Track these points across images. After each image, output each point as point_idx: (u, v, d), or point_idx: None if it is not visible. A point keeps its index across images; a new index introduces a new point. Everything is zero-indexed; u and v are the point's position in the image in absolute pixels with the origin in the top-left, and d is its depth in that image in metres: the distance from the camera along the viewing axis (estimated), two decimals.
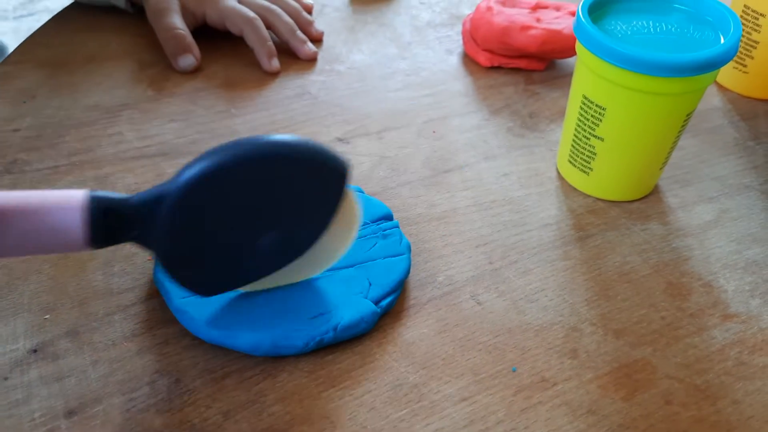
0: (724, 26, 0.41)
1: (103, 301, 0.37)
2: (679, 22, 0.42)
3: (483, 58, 0.58)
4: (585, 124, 0.43)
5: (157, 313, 0.36)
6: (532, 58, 0.57)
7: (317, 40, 0.61)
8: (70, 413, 0.32)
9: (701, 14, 0.43)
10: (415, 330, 0.36)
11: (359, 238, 0.39)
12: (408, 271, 0.38)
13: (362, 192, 0.43)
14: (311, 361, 0.35)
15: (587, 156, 0.44)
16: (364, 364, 0.35)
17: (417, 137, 0.50)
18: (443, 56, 0.60)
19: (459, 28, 0.64)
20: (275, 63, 0.56)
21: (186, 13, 0.57)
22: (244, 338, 0.34)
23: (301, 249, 0.35)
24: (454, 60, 0.59)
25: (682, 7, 0.43)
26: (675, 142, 0.43)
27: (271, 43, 0.57)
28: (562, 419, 0.33)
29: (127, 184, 0.44)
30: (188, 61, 0.55)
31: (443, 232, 0.42)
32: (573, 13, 0.58)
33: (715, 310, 0.38)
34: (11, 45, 1.02)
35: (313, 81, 0.56)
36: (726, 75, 0.57)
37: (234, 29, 0.57)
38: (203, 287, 0.34)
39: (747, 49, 0.55)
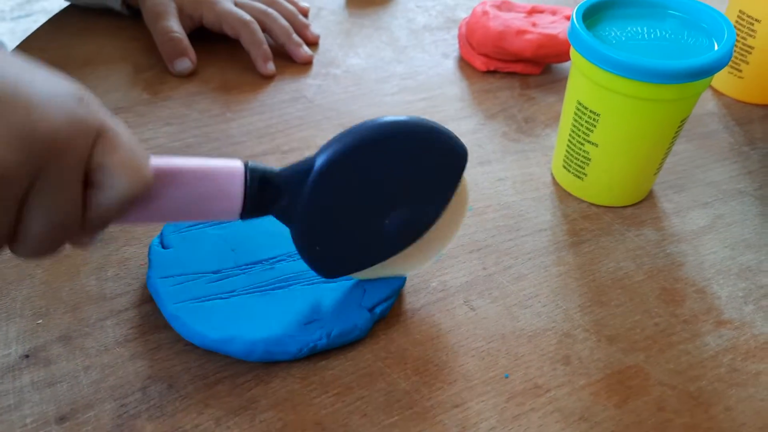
0: (718, 33, 0.41)
1: (96, 306, 0.37)
2: (674, 28, 0.42)
3: (479, 62, 0.58)
4: (579, 130, 0.43)
5: (150, 319, 0.36)
6: (528, 62, 0.57)
7: (313, 44, 0.61)
8: (61, 419, 0.32)
9: (695, 21, 0.43)
10: (408, 336, 0.36)
11: None
12: (404, 279, 0.38)
13: None
14: (304, 367, 0.35)
15: (582, 161, 0.44)
16: (356, 371, 0.35)
17: None
18: (439, 60, 0.60)
19: (455, 32, 0.64)
20: (271, 66, 0.56)
21: (183, 16, 0.57)
22: (237, 344, 0.34)
23: (420, 230, 0.36)
24: (450, 64, 0.59)
25: (677, 14, 0.43)
26: (669, 148, 0.43)
27: (267, 46, 0.57)
28: (554, 426, 0.33)
29: None
30: (184, 64, 0.55)
31: None
32: (568, 18, 0.58)
33: (709, 317, 0.38)
34: (8, 46, 1.02)
35: (309, 84, 0.56)
36: (721, 80, 0.57)
37: (230, 32, 0.57)
38: (329, 267, 0.35)
39: (742, 54, 0.55)
